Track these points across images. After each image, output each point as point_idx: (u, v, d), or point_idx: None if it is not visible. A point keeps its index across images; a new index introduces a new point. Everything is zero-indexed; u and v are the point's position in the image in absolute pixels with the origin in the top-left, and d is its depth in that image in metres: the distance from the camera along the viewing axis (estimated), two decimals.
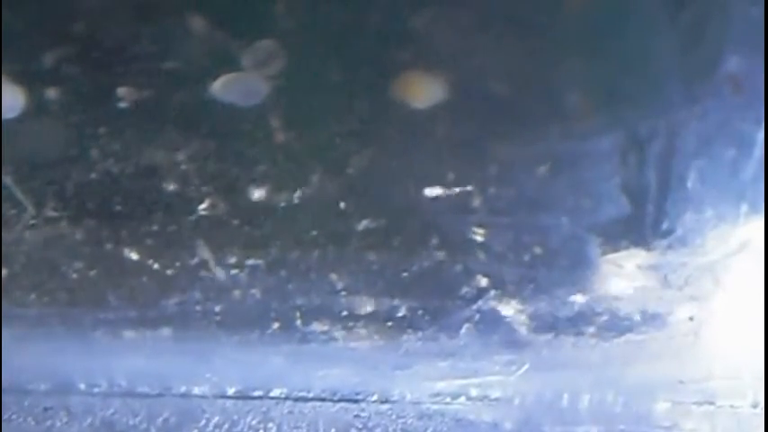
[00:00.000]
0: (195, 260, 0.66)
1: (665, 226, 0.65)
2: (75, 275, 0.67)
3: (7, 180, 0.63)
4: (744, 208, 0.65)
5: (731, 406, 0.72)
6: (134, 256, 0.66)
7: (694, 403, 0.72)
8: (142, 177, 0.63)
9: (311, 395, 0.71)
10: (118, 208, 0.64)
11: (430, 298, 0.68)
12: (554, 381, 0.71)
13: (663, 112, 0.62)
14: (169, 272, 0.67)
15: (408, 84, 0.61)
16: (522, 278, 0.67)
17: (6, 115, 0.60)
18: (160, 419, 0.69)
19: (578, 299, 0.68)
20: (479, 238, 0.66)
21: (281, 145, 0.63)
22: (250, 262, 0.66)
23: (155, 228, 0.65)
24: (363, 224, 0.65)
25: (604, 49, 0.60)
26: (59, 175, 0.63)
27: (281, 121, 0.62)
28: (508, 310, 0.68)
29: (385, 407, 0.71)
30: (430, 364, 0.71)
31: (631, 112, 0.62)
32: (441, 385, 0.71)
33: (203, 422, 0.69)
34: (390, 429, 0.70)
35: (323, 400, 0.71)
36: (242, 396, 0.71)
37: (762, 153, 0.63)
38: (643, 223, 0.65)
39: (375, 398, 0.71)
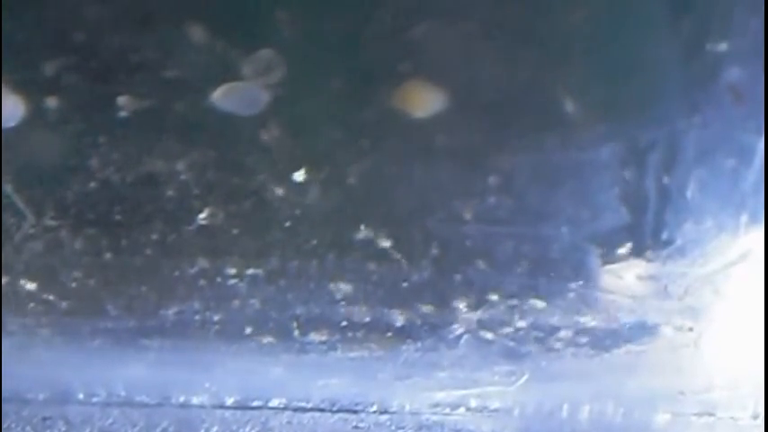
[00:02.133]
0: (194, 269, 0.66)
1: (664, 236, 0.65)
2: (74, 284, 0.67)
3: (7, 189, 0.63)
4: (744, 218, 0.65)
5: (731, 417, 0.72)
6: (133, 265, 0.66)
7: (694, 414, 0.72)
8: (142, 186, 0.63)
9: (310, 405, 0.71)
10: (117, 217, 0.64)
11: (429, 308, 0.68)
12: (554, 391, 0.71)
13: (663, 122, 0.62)
14: (168, 281, 0.67)
15: (409, 93, 0.61)
16: (521, 288, 0.67)
17: (6, 124, 0.60)
18: (159, 429, 0.69)
19: (578, 309, 0.68)
20: (478, 248, 0.66)
21: (281, 154, 0.63)
22: (249, 271, 0.66)
23: (154, 237, 0.65)
24: (363, 234, 0.65)
25: (604, 58, 0.60)
26: (59, 184, 0.63)
27: (280, 129, 0.62)
28: (508, 320, 0.68)
29: (384, 417, 0.71)
30: (429, 374, 0.71)
31: (631, 121, 0.62)
32: (440, 396, 0.71)
33: None
34: None
35: (322, 410, 0.71)
36: (241, 406, 0.71)
37: (762, 163, 0.63)
38: (643, 233, 0.65)
39: (374, 408, 0.71)
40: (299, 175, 0.64)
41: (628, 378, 0.70)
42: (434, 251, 0.66)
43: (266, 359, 0.69)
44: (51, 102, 0.60)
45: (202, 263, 0.66)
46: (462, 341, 0.69)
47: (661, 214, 0.65)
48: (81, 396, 0.70)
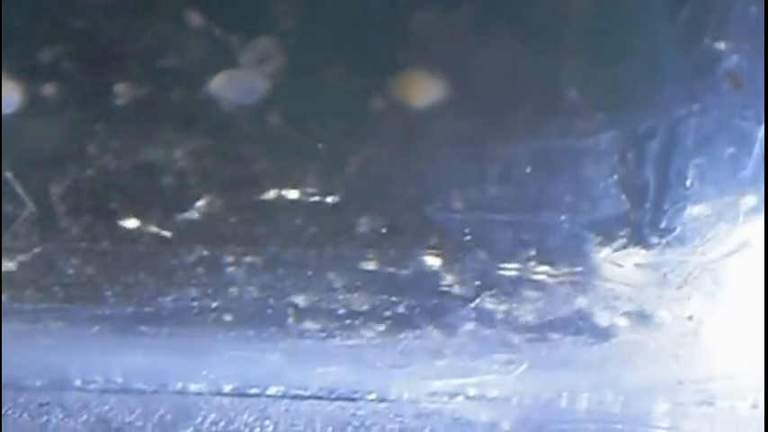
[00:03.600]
0: (192, 257, 0.66)
1: (663, 224, 0.65)
2: (71, 271, 0.67)
3: (6, 175, 0.63)
4: (743, 206, 0.65)
5: (731, 407, 0.71)
6: (131, 252, 0.66)
7: (693, 404, 0.71)
8: (139, 174, 0.63)
9: (308, 393, 0.71)
10: (114, 204, 0.65)
11: (428, 296, 0.68)
12: (552, 380, 0.71)
13: (662, 110, 0.62)
14: (166, 269, 0.67)
15: (408, 82, 0.61)
16: (520, 276, 0.67)
17: (3, 111, 0.60)
18: (156, 416, 0.69)
19: (577, 297, 0.68)
20: (477, 236, 0.66)
21: (279, 143, 0.63)
22: (247, 259, 0.66)
23: (152, 225, 0.65)
24: (361, 222, 0.65)
25: (603, 47, 0.61)
26: (56, 172, 0.63)
27: (279, 118, 0.62)
28: (506, 308, 0.68)
29: (382, 405, 0.71)
30: (427, 362, 0.70)
31: (630, 109, 0.62)
32: (438, 384, 0.71)
33: (199, 419, 0.69)
34: (387, 428, 0.70)
35: (320, 398, 0.71)
36: (239, 393, 0.71)
37: (761, 151, 0.63)
38: (642, 222, 0.65)
39: (372, 396, 0.71)
40: (297, 164, 0.64)
41: (627, 367, 0.70)
42: (433, 239, 0.66)
43: (264, 347, 0.69)
44: (48, 89, 0.60)
45: (200, 251, 0.66)
46: (461, 330, 0.69)
47: (660, 202, 0.65)
48: (78, 383, 0.71)
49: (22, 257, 0.66)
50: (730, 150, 0.63)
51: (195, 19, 0.59)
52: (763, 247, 0.66)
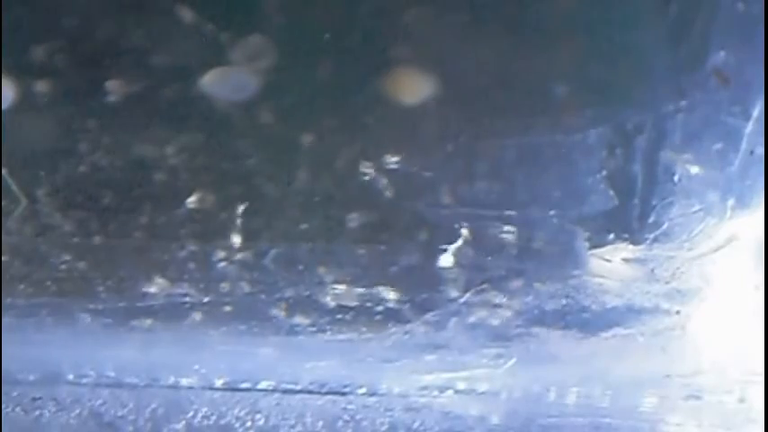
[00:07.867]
0: (184, 252, 0.66)
1: (651, 219, 0.66)
2: (64, 266, 0.67)
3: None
4: (730, 202, 0.65)
5: (718, 401, 0.72)
6: (123, 247, 0.66)
7: (681, 398, 0.71)
8: (131, 170, 0.64)
9: (299, 387, 0.71)
10: (107, 200, 0.65)
11: (418, 291, 0.68)
12: (541, 374, 0.71)
13: (650, 106, 0.62)
14: (158, 264, 0.67)
15: (398, 79, 0.61)
16: (509, 272, 0.67)
17: None
18: (148, 410, 0.69)
19: (565, 292, 0.68)
20: (467, 232, 0.66)
21: (270, 139, 0.63)
22: (238, 255, 0.67)
23: (144, 220, 0.65)
24: (352, 217, 0.66)
25: (592, 43, 0.61)
26: (49, 168, 0.63)
27: (269, 115, 0.62)
28: (496, 303, 0.68)
29: (372, 399, 0.71)
30: (417, 357, 0.71)
31: (618, 106, 0.62)
32: (428, 378, 0.71)
33: (191, 413, 0.69)
34: (378, 422, 0.70)
35: (311, 392, 0.71)
36: (230, 388, 0.71)
37: (747, 147, 0.63)
38: (630, 217, 0.65)
39: (363, 390, 0.71)
40: (288, 160, 0.64)
41: (615, 361, 0.71)
42: (423, 235, 0.66)
43: (255, 341, 0.70)
44: (41, 86, 0.60)
45: (191, 246, 0.66)
46: (450, 324, 0.69)
47: (648, 198, 0.65)
48: (71, 377, 0.71)
49: (14, 252, 0.66)
50: (717, 146, 0.63)
51: (187, 16, 0.59)
52: (747, 242, 0.66)
